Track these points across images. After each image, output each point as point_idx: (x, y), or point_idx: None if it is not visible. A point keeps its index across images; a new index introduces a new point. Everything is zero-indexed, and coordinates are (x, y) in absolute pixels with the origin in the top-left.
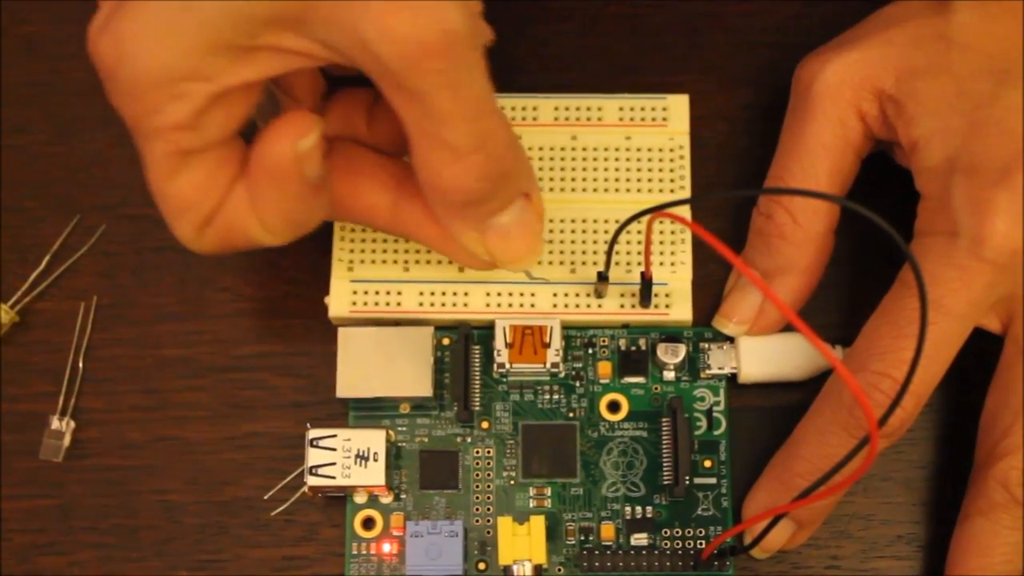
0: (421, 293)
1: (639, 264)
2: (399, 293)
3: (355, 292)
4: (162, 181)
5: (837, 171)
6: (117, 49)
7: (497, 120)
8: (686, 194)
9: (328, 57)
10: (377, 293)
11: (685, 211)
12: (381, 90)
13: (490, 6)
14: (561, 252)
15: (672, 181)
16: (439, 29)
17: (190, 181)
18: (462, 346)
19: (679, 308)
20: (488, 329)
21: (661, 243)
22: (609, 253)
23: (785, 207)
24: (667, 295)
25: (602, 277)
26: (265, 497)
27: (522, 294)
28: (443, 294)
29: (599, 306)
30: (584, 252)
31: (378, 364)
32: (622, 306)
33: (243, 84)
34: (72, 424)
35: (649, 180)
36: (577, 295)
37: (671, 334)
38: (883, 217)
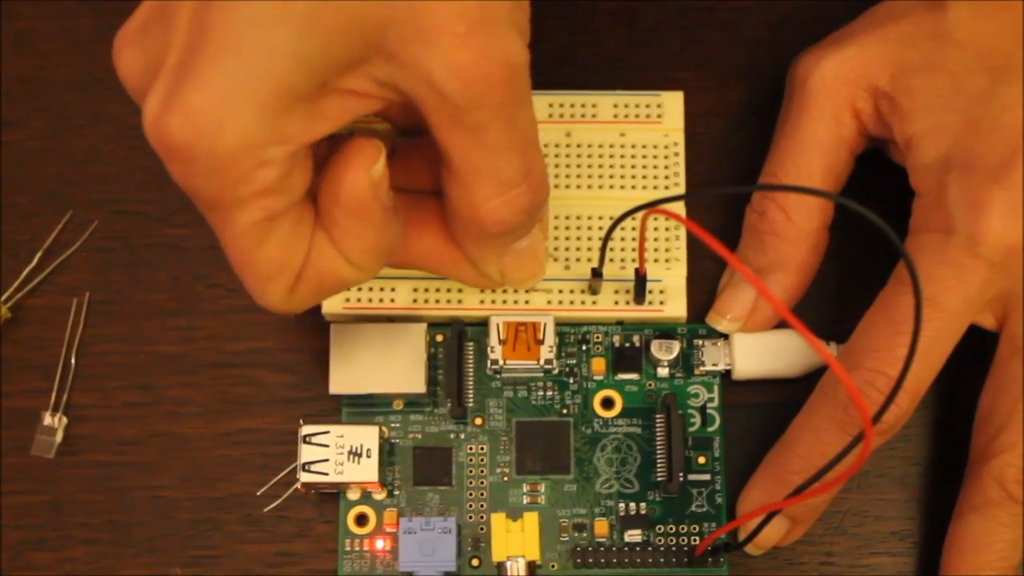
0: (415, 290)
1: (633, 261)
2: (392, 290)
3: (348, 289)
4: (251, 251)
5: (831, 168)
6: (192, 126)
7: (538, 150)
8: (681, 191)
9: (387, 98)
10: (371, 290)
11: (680, 208)
12: (433, 126)
13: None
14: (555, 249)
15: (667, 178)
16: (503, 62)
17: (278, 243)
18: (455, 342)
19: (674, 304)
20: (482, 326)
21: (655, 240)
22: (603, 250)
23: (779, 204)
24: (662, 292)
25: (596, 274)
26: (258, 493)
27: (516, 291)
28: (437, 291)
29: (593, 303)
30: (579, 249)
31: (371, 360)
32: (616, 303)
33: (318, 139)
34: (65, 420)
35: (644, 177)
36: (572, 292)
37: (665, 330)
38: (878, 215)
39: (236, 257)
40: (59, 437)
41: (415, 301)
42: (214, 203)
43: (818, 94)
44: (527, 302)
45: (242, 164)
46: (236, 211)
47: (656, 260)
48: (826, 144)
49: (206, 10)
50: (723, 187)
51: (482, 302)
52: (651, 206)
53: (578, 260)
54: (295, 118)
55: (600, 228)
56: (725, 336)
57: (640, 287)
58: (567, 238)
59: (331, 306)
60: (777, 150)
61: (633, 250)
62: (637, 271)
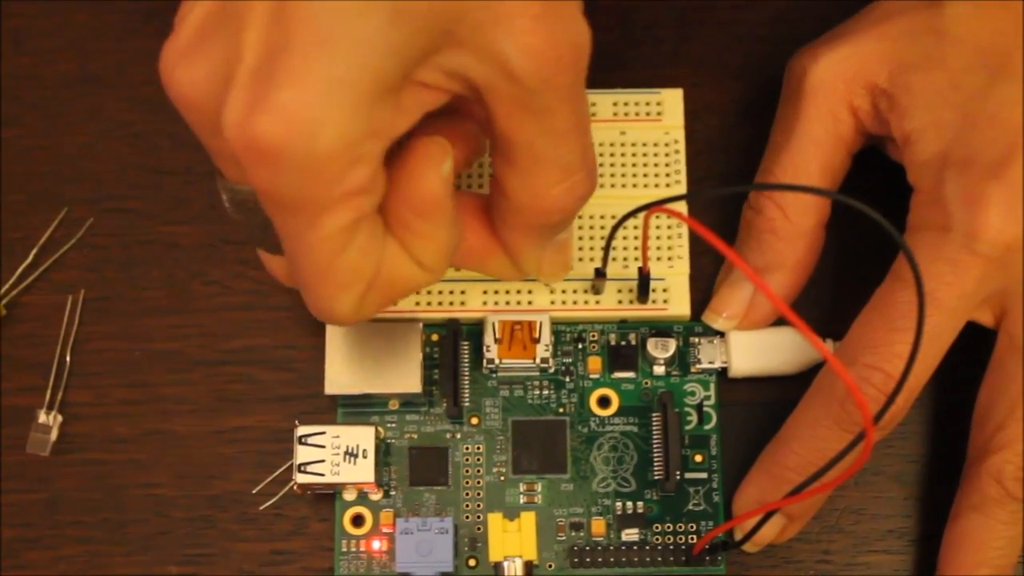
0: (416, 292)
1: (636, 259)
2: None
3: (416, 293)
4: (333, 257)
5: (828, 166)
6: (286, 125)
7: (591, 136)
8: (681, 188)
9: (452, 90)
10: None
11: (682, 206)
12: (498, 115)
13: None
14: None
15: (668, 176)
16: (573, 43)
17: (359, 248)
18: (451, 342)
19: (677, 303)
20: (478, 325)
21: (658, 238)
22: (607, 249)
23: (776, 202)
24: (665, 290)
25: (599, 273)
26: (253, 491)
27: (518, 291)
28: (439, 293)
29: (597, 302)
30: (580, 248)
31: (367, 360)
32: (620, 302)
33: (401, 135)
34: (59, 418)
35: (644, 175)
36: (575, 291)
37: (661, 328)
38: (874, 210)
39: (315, 264)
40: (54, 435)
41: (417, 304)
42: (300, 206)
43: (816, 92)
44: (530, 303)
45: (339, 162)
46: (325, 214)
47: (659, 259)
48: (823, 142)
49: (287, 7)
50: (726, 186)
51: (484, 304)
52: (654, 206)
53: (580, 259)
54: (386, 112)
55: (602, 227)
56: (721, 334)
57: (644, 286)
58: None
59: None
60: (774, 148)
61: (635, 249)
62: (640, 270)
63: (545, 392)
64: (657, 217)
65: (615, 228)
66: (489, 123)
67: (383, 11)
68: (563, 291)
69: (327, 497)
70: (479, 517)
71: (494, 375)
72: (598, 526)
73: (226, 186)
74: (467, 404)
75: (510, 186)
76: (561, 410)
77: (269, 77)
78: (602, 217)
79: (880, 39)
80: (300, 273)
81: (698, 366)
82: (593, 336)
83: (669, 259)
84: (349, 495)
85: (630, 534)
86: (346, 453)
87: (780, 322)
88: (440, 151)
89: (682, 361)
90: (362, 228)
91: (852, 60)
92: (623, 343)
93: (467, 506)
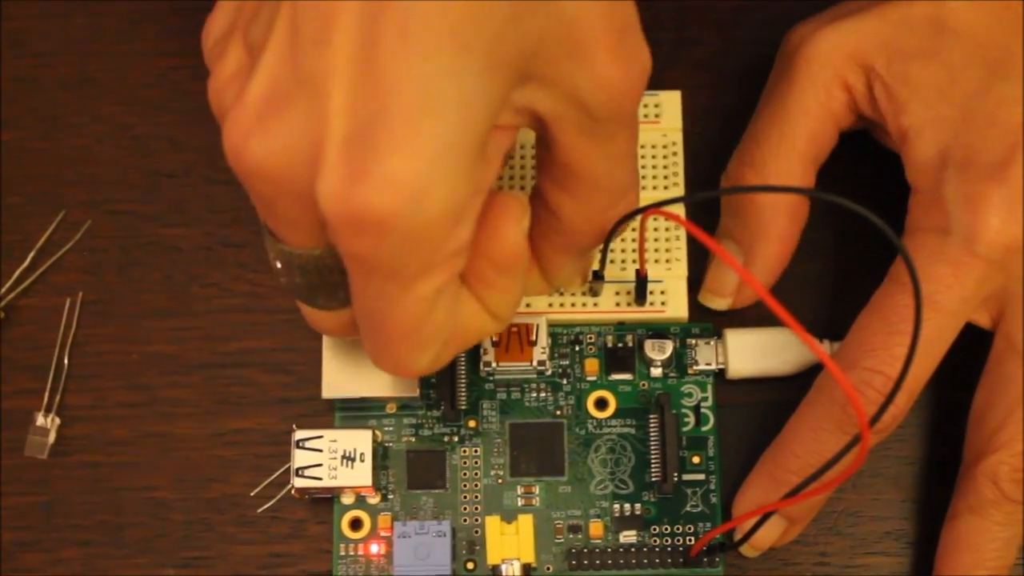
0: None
1: (633, 261)
2: None
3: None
4: (423, 318)
5: (815, 137)
6: (394, 194)
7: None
8: (680, 190)
9: (519, 126)
10: None
11: (679, 208)
12: (561, 144)
13: None
14: None
15: (666, 177)
16: (642, 70)
17: (445, 307)
18: None
19: (675, 304)
20: None
21: (656, 240)
22: (604, 252)
23: (757, 171)
24: (663, 292)
25: (597, 276)
26: (251, 494)
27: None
28: None
29: (595, 304)
30: None
31: (364, 364)
32: (617, 304)
33: (492, 182)
34: (57, 421)
35: (643, 177)
36: (572, 294)
37: (658, 330)
38: (869, 209)
39: (402, 326)
40: (52, 438)
41: None
42: (399, 271)
43: (810, 64)
44: (528, 305)
45: (446, 225)
46: (423, 277)
47: (656, 261)
48: (813, 113)
49: (377, 72)
50: (724, 189)
51: None
52: (652, 208)
53: None
54: (481, 165)
55: None
56: (718, 335)
57: (641, 288)
58: None
59: None
60: (761, 117)
61: (633, 251)
62: (638, 272)
63: (542, 395)
64: (655, 219)
65: (613, 231)
66: (550, 151)
67: (476, 64)
68: (560, 293)
69: (325, 500)
70: (477, 520)
71: (491, 378)
72: (596, 528)
73: (282, 249)
74: (464, 407)
75: (566, 211)
76: (558, 412)
77: (370, 146)
78: None
79: (880, 20)
80: (380, 333)
81: (695, 368)
82: (590, 338)
83: (667, 261)
84: (347, 499)
85: (628, 536)
86: (343, 457)
87: (778, 323)
88: (520, 207)
89: (679, 363)
90: (449, 287)
91: (850, 37)
92: (620, 345)
93: (465, 509)
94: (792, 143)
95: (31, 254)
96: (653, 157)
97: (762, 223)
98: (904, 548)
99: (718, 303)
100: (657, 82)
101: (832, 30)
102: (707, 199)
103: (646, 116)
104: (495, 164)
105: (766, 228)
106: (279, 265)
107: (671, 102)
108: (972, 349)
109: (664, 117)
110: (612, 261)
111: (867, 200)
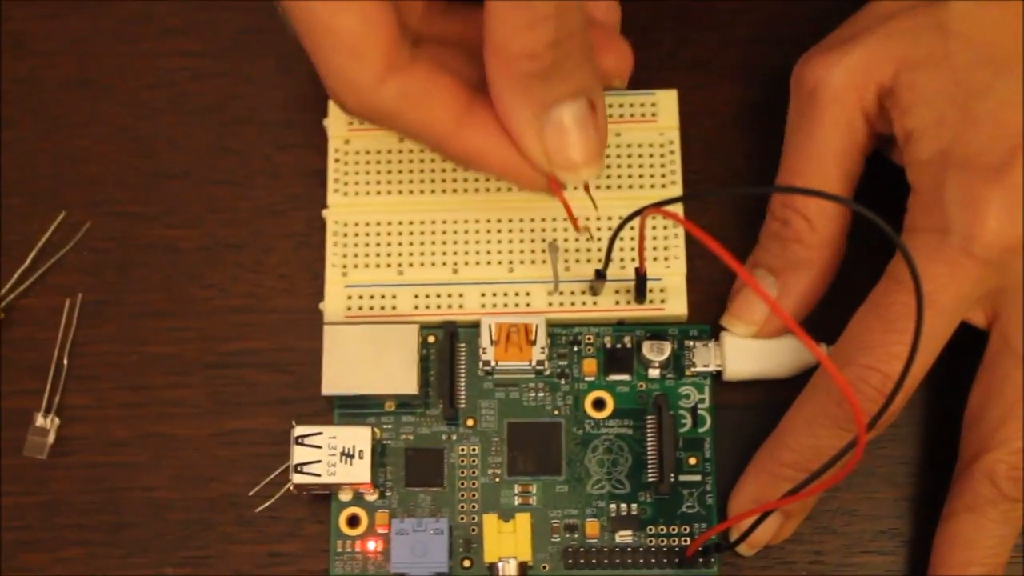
0: (416, 296)
1: (632, 260)
2: (394, 296)
3: (349, 297)
4: None
5: (847, 175)
6: None
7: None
8: (677, 190)
9: None
10: (372, 297)
11: (678, 207)
12: None
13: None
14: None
15: (663, 177)
16: None
17: None
18: (447, 344)
19: (674, 303)
20: (474, 327)
21: (654, 238)
22: (608, 251)
23: (801, 213)
24: (662, 290)
25: (600, 275)
26: (250, 494)
27: (516, 293)
28: (438, 296)
29: (594, 303)
30: (578, 250)
31: (364, 361)
32: (617, 302)
33: None
34: (57, 421)
35: (640, 176)
36: (572, 293)
37: (656, 332)
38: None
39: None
40: (51, 438)
41: (416, 308)
42: None
43: (831, 103)
44: (528, 304)
45: None
46: None
47: (655, 259)
48: (841, 152)
49: None
50: (724, 188)
51: (481, 306)
52: (654, 207)
53: (577, 261)
54: None
55: (598, 228)
56: (716, 337)
57: (641, 286)
58: (565, 239)
59: (333, 314)
60: (792, 158)
61: (632, 249)
62: (637, 270)
63: (541, 394)
64: (653, 218)
65: (617, 231)
66: None
67: None
68: (560, 292)
69: (323, 499)
70: (474, 518)
71: (490, 377)
72: (592, 528)
73: None
74: (463, 406)
75: (490, 27)
76: (556, 412)
77: None
78: (598, 218)
79: (885, 39)
80: None
81: (693, 369)
82: (588, 339)
83: (666, 259)
84: (345, 496)
85: (624, 536)
86: (342, 454)
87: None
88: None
89: (677, 364)
90: None
91: (860, 66)
92: (618, 346)
93: (462, 507)
94: (828, 185)
95: (31, 255)
96: (650, 156)
97: (805, 258)
98: (899, 546)
99: (742, 330)
100: (655, 81)
101: (844, 64)
102: (704, 201)
103: (643, 115)
104: None
105: (810, 262)
106: None
107: (668, 101)
108: (967, 348)
109: (661, 116)
110: (611, 260)
111: (867, 200)
